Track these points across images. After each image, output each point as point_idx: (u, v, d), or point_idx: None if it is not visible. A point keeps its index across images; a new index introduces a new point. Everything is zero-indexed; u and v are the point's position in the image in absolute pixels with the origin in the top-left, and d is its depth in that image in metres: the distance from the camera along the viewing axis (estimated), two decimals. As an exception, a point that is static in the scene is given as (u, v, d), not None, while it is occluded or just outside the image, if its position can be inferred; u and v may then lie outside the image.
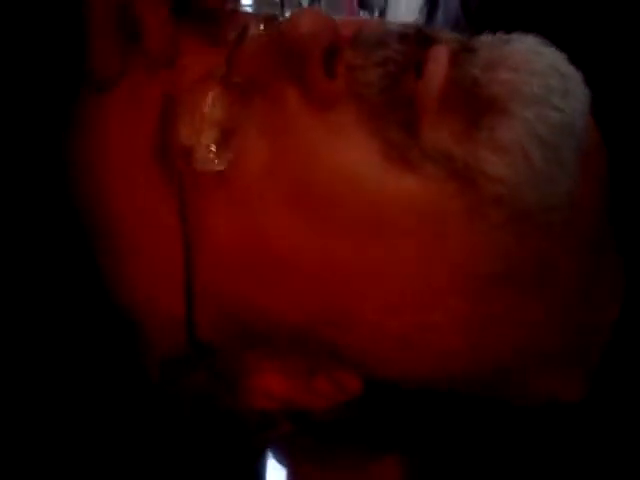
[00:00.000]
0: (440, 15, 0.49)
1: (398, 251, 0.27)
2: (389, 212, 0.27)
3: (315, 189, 0.27)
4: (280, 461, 0.37)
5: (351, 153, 0.27)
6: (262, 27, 0.29)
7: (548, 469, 0.32)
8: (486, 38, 0.29)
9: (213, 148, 0.27)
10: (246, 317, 0.29)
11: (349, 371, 0.31)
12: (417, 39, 0.28)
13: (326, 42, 0.27)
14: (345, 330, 0.29)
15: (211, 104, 0.28)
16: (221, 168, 0.27)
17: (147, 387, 0.31)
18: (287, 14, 0.30)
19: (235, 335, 0.30)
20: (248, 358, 0.31)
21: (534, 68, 0.27)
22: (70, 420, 0.31)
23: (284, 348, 0.30)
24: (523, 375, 0.31)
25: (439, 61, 0.27)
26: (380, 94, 0.27)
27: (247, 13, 0.32)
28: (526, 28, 0.49)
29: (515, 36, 0.28)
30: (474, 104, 0.26)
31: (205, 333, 0.30)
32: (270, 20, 0.30)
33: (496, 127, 0.26)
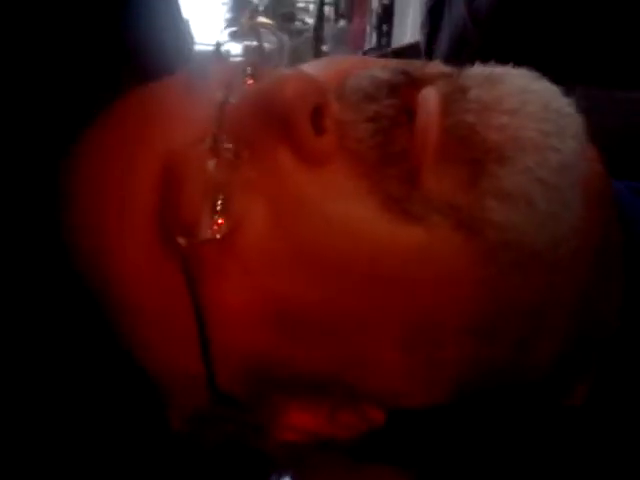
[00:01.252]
0: (445, 21, 0.48)
1: (409, 298, 0.28)
2: (397, 263, 0.28)
3: (319, 248, 0.28)
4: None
5: (352, 209, 0.28)
6: (248, 83, 0.30)
7: (549, 474, 0.33)
8: (477, 73, 0.29)
9: (213, 218, 0.28)
10: (265, 370, 0.30)
11: (372, 405, 0.32)
12: (406, 84, 0.29)
13: (312, 103, 0.28)
14: (364, 373, 0.30)
15: (206, 174, 0.28)
16: (222, 236, 0.28)
17: (171, 439, 0.32)
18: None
19: (256, 386, 0.31)
20: (271, 404, 0.32)
21: (530, 111, 0.27)
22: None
23: (306, 393, 0.32)
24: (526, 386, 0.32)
25: (430, 111, 0.27)
26: (373, 150, 0.28)
27: (232, 63, 0.32)
28: (533, 34, 0.49)
29: (506, 72, 0.28)
30: (472, 152, 0.27)
31: (227, 387, 0.31)
32: (255, 73, 0.31)
33: (498, 175, 0.26)
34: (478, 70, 0.29)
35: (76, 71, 0.35)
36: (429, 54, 0.54)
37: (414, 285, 0.28)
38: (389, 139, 0.28)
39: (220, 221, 0.28)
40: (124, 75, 0.34)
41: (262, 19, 0.33)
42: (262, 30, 0.34)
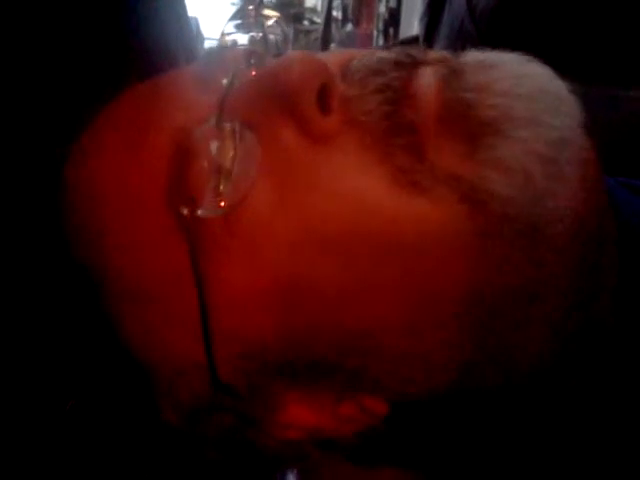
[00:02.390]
0: (444, 17, 0.48)
1: (415, 273, 0.27)
2: (404, 236, 0.27)
3: (326, 223, 0.27)
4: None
5: (360, 181, 0.27)
6: (253, 71, 0.30)
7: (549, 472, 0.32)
8: (473, 58, 0.29)
9: (218, 193, 0.28)
10: (267, 353, 0.29)
11: (374, 395, 0.31)
12: (410, 64, 0.29)
13: (318, 83, 0.28)
14: (368, 356, 0.29)
15: (211, 151, 0.28)
16: (225, 212, 0.27)
17: (167, 432, 0.32)
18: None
19: (257, 373, 0.30)
20: (272, 394, 0.31)
21: (523, 92, 0.27)
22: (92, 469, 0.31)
23: (308, 380, 0.31)
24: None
25: (429, 85, 0.27)
26: (382, 120, 0.27)
27: (238, 52, 0.32)
28: (532, 31, 0.49)
29: (501, 57, 0.29)
30: (470, 126, 0.27)
31: (227, 375, 0.30)
32: (258, 60, 0.31)
33: (494, 146, 0.26)
34: (473, 55, 0.29)
35: (86, 66, 0.36)
36: (428, 48, 0.54)
37: (421, 258, 0.27)
38: (396, 110, 0.27)
39: (223, 195, 0.27)
40: (131, 72, 0.34)
41: (267, 11, 0.34)
42: (267, 22, 0.34)
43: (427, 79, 0.28)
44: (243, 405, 0.31)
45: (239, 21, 0.34)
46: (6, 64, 0.34)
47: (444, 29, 0.51)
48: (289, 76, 0.28)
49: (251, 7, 0.33)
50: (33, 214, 0.32)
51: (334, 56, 0.31)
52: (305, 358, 0.29)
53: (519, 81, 0.27)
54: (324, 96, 0.28)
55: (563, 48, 0.31)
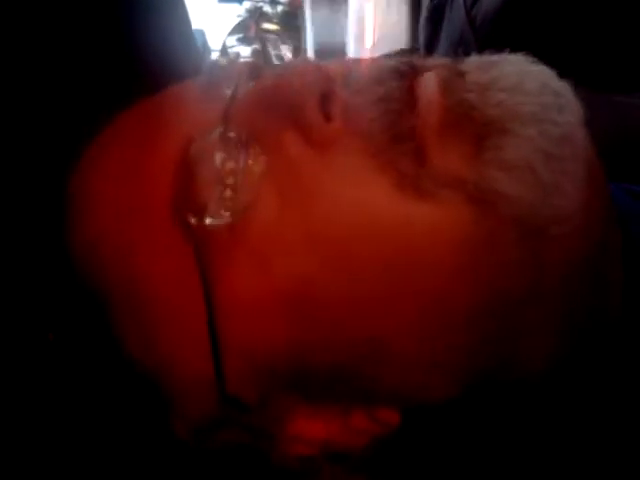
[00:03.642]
0: (444, 27, 0.48)
1: (424, 279, 0.27)
2: (411, 243, 0.27)
3: (333, 229, 0.27)
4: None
5: (364, 189, 0.27)
6: (253, 82, 0.30)
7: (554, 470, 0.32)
8: (473, 60, 0.29)
9: (224, 202, 0.28)
10: (277, 365, 0.29)
11: (387, 405, 0.31)
12: (411, 72, 0.29)
13: (319, 90, 0.28)
14: (379, 364, 0.29)
15: (215, 161, 0.28)
16: (232, 221, 0.28)
17: (176, 447, 0.32)
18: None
19: (266, 385, 0.30)
20: (281, 406, 0.31)
21: (526, 88, 0.27)
22: None
23: (319, 392, 0.30)
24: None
25: (431, 90, 0.28)
26: (383, 129, 0.28)
27: (240, 64, 0.32)
28: (531, 39, 0.49)
29: (503, 57, 0.29)
30: (474, 127, 0.27)
31: (235, 388, 0.30)
32: (261, 72, 0.31)
33: (501, 146, 0.26)
34: (474, 58, 0.29)
35: (93, 79, 0.36)
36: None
37: (429, 263, 0.27)
38: (398, 119, 0.28)
39: (230, 205, 0.28)
40: (137, 86, 0.35)
41: (268, 25, 0.35)
42: (269, 36, 0.35)
43: (428, 83, 0.28)
44: (252, 418, 0.31)
45: (241, 35, 0.34)
46: (14, 77, 0.34)
47: (444, 38, 0.51)
48: (291, 84, 0.28)
49: (251, 21, 0.33)
50: (38, 228, 0.32)
51: (335, 64, 0.31)
52: (316, 369, 0.29)
53: (522, 77, 0.28)
54: (326, 103, 0.28)
55: (562, 57, 0.31)
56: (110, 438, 0.32)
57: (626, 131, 0.43)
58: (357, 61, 0.32)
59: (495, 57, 0.29)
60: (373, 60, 0.31)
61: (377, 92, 0.28)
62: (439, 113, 0.27)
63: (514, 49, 0.29)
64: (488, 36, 0.45)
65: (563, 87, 0.28)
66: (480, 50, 0.30)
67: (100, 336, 0.30)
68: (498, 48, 0.30)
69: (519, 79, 0.27)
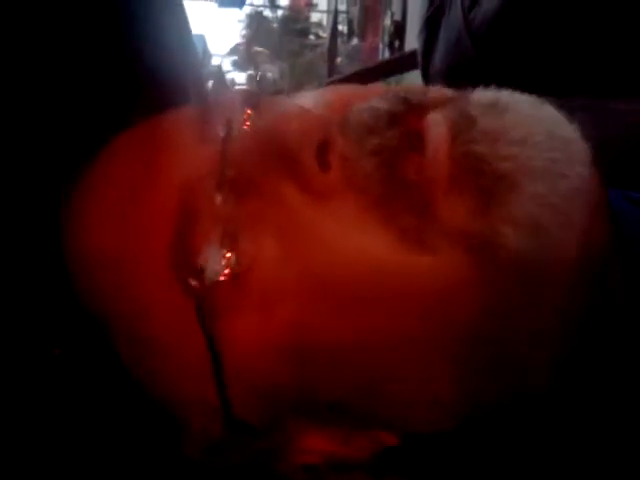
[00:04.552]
0: (442, 31, 0.48)
1: (422, 323, 0.27)
2: (410, 292, 0.27)
3: (333, 278, 0.27)
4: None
5: (367, 240, 0.27)
6: (249, 120, 0.29)
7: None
8: (482, 102, 0.28)
9: (223, 257, 0.27)
10: (281, 397, 0.29)
11: (385, 431, 0.31)
12: (407, 112, 0.28)
13: (317, 139, 0.27)
14: (379, 400, 0.29)
15: (214, 214, 0.28)
16: (232, 273, 0.27)
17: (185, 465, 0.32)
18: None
19: (272, 412, 0.30)
20: (287, 429, 0.31)
21: (537, 141, 0.26)
22: None
23: (322, 418, 0.30)
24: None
25: (439, 140, 0.27)
26: (380, 184, 0.27)
27: (234, 95, 0.31)
28: (530, 45, 0.49)
29: (512, 100, 0.28)
30: (483, 181, 0.26)
31: (242, 414, 0.29)
32: (255, 106, 0.30)
33: (510, 203, 0.26)
34: (482, 96, 0.28)
35: (84, 100, 0.36)
36: (426, 63, 0.54)
37: (428, 309, 0.27)
38: (395, 171, 0.27)
39: (229, 258, 0.27)
40: (131, 104, 0.34)
41: (258, 48, 0.34)
42: (262, 59, 0.34)
43: (437, 130, 0.27)
44: (259, 441, 0.31)
45: (235, 57, 0.34)
46: (10, 85, 0.34)
47: (442, 43, 0.51)
48: (287, 132, 0.27)
49: (242, 45, 0.33)
50: (41, 243, 0.32)
51: (330, 102, 0.31)
52: (319, 402, 0.29)
53: (533, 128, 0.27)
54: (323, 152, 0.28)
55: (560, 62, 0.31)
56: (115, 453, 0.31)
57: (625, 137, 0.43)
58: (354, 92, 0.31)
59: (505, 96, 0.28)
60: (368, 99, 0.30)
61: (370, 144, 0.27)
62: (447, 165, 0.26)
63: (510, 54, 0.29)
64: (485, 41, 0.44)
65: (572, 133, 0.27)
66: (477, 55, 0.29)
67: (106, 356, 0.30)
68: (494, 54, 0.29)
69: (529, 130, 0.27)
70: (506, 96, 0.28)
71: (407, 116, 0.28)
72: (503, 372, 0.28)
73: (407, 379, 0.28)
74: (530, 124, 0.27)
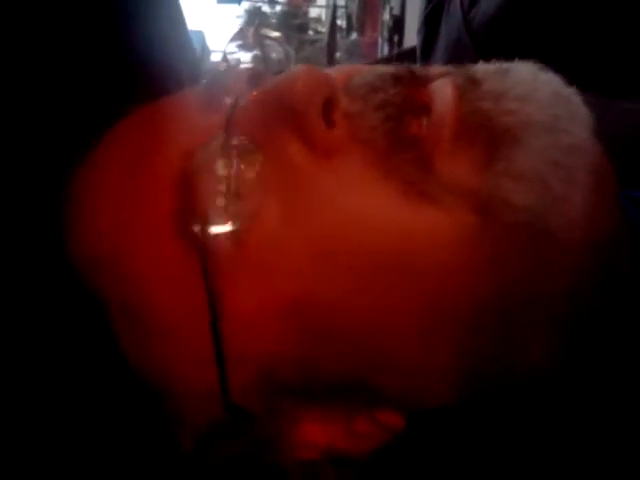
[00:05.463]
0: (441, 30, 0.48)
1: (427, 285, 0.26)
2: (415, 248, 0.26)
3: (337, 239, 0.26)
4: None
5: (369, 196, 0.27)
6: (254, 90, 0.29)
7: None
8: (486, 68, 0.29)
9: (226, 211, 0.27)
10: (281, 375, 0.28)
11: (390, 409, 0.30)
12: (410, 80, 0.28)
13: (322, 96, 0.27)
14: (384, 372, 0.28)
15: (217, 170, 0.27)
16: (235, 230, 0.27)
17: (180, 458, 0.31)
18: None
19: (270, 395, 0.29)
20: (285, 414, 0.30)
21: (539, 97, 0.27)
22: None
23: (323, 399, 0.29)
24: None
25: (447, 98, 0.27)
26: (385, 137, 0.27)
27: (240, 71, 0.31)
28: (530, 43, 0.49)
29: (514, 65, 0.28)
30: (488, 136, 0.26)
31: (240, 398, 0.29)
32: (261, 79, 0.30)
33: (513, 157, 0.26)
34: (485, 66, 0.29)
35: (91, 87, 0.36)
36: (425, 61, 0.54)
37: (432, 269, 0.26)
38: (400, 125, 0.27)
39: (233, 215, 0.27)
40: (134, 93, 0.34)
41: (268, 31, 0.34)
42: (268, 41, 0.34)
43: (444, 90, 0.27)
44: (255, 427, 0.30)
45: (240, 42, 0.34)
46: (10, 81, 0.34)
47: (441, 41, 0.51)
48: (293, 91, 0.27)
49: (253, 27, 0.33)
50: (39, 233, 0.32)
51: (336, 71, 0.31)
52: (321, 378, 0.29)
53: (535, 86, 0.27)
54: (328, 110, 0.28)
55: (561, 60, 0.31)
56: (112, 444, 0.32)
57: (627, 136, 0.43)
58: (358, 67, 0.31)
59: (506, 64, 0.28)
60: (371, 67, 0.30)
61: (375, 100, 0.28)
62: (453, 120, 0.26)
63: (510, 52, 0.29)
64: (485, 40, 0.44)
65: (573, 95, 0.28)
66: (477, 53, 0.29)
67: (103, 343, 0.30)
68: (494, 52, 0.29)
69: (532, 87, 0.27)
70: (507, 63, 0.28)
71: (409, 82, 0.28)
72: (507, 340, 0.28)
73: (413, 345, 0.28)
74: (534, 83, 0.27)
